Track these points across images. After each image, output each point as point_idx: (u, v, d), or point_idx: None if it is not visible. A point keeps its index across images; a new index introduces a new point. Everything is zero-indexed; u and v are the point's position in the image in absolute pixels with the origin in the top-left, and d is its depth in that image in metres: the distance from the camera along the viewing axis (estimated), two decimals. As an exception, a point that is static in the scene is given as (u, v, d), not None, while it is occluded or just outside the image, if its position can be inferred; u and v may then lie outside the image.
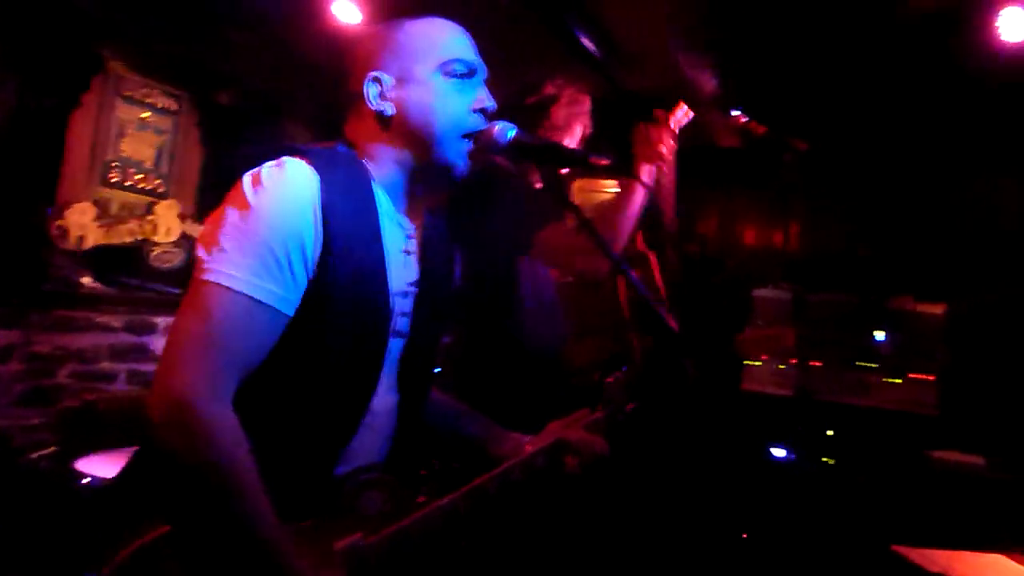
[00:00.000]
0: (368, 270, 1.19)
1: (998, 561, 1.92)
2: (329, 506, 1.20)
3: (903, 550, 1.92)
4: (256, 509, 1.03)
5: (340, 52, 1.30)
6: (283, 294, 1.09)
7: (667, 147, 1.91)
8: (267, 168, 1.14)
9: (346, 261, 1.15)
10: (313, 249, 1.11)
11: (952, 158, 4.04)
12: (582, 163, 1.23)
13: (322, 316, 1.14)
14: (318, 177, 1.14)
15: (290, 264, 1.09)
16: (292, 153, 1.17)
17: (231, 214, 1.09)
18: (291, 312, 1.10)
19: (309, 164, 1.15)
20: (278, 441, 1.15)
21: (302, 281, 1.11)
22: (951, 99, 3.57)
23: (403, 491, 1.28)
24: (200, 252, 1.09)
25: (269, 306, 1.08)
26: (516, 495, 1.35)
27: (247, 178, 1.13)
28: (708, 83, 3.54)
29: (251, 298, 1.06)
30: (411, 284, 1.29)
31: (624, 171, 1.46)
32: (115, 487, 1.21)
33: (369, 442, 1.25)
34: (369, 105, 1.24)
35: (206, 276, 1.06)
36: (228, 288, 1.05)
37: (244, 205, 1.09)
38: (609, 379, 1.49)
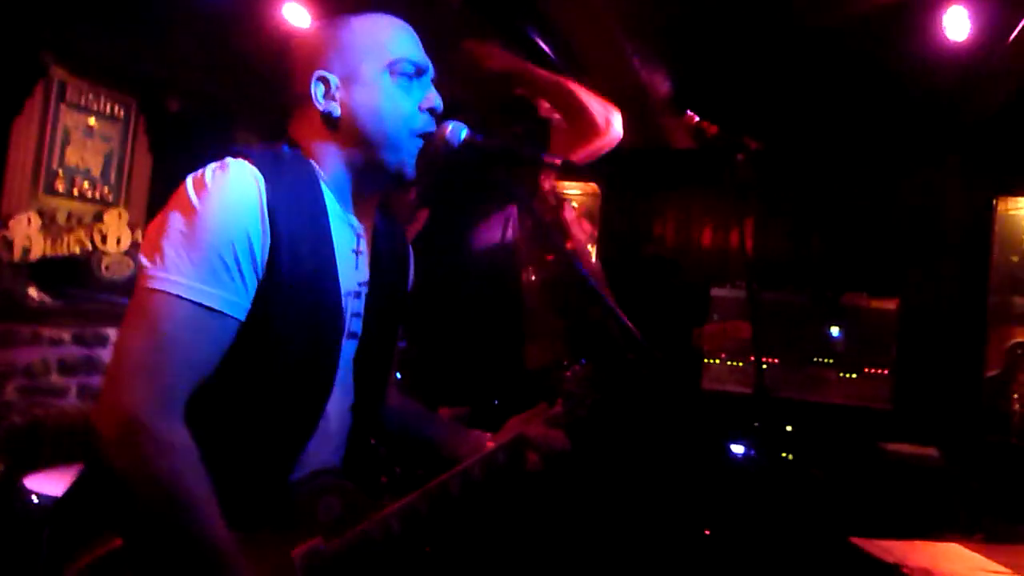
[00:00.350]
0: (318, 271, 1.16)
1: (952, 549, 1.96)
2: (285, 513, 1.17)
3: (860, 542, 1.95)
4: (207, 523, 1.01)
5: (284, 50, 1.26)
6: (233, 299, 1.06)
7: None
8: (210, 170, 1.10)
9: (295, 262, 1.12)
10: (261, 251, 1.09)
11: (900, 155, 4.14)
12: (535, 162, 1.23)
13: (273, 319, 1.11)
14: (262, 177, 1.11)
15: (239, 267, 1.06)
16: (235, 154, 1.14)
17: (174, 219, 1.06)
18: (242, 316, 1.08)
19: (252, 165, 1.12)
20: (231, 447, 1.12)
21: (252, 284, 1.08)
22: (898, 97, 3.66)
23: (361, 496, 1.26)
24: (144, 260, 1.06)
25: (219, 312, 1.05)
26: (477, 494, 1.34)
27: (189, 181, 1.10)
28: (662, 86, 3.57)
29: (200, 305, 1.03)
30: (362, 284, 1.27)
31: (577, 171, 1.46)
32: (64, 503, 1.17)
33: (324, 446, 1.23)
34: (316, 106, 1.21)
35: (152, 284, 1.03)
36: (176, 296, 1.02)
37: (188, 209, 1.06)
38: (568, 372, 1.48)
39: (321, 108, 1.20)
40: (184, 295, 1.03)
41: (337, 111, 1.20)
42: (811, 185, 4.28)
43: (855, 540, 1.96)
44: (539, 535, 2.38)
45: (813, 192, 4.29)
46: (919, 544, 1.96)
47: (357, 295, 1.25)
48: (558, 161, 1.22)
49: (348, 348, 1.24)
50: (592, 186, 4.64)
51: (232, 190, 1.08)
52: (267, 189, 1.10)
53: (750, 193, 4.19)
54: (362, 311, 1.26)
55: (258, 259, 1.09)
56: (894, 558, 1.82)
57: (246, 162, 1.12)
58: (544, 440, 1.42)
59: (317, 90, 1.20)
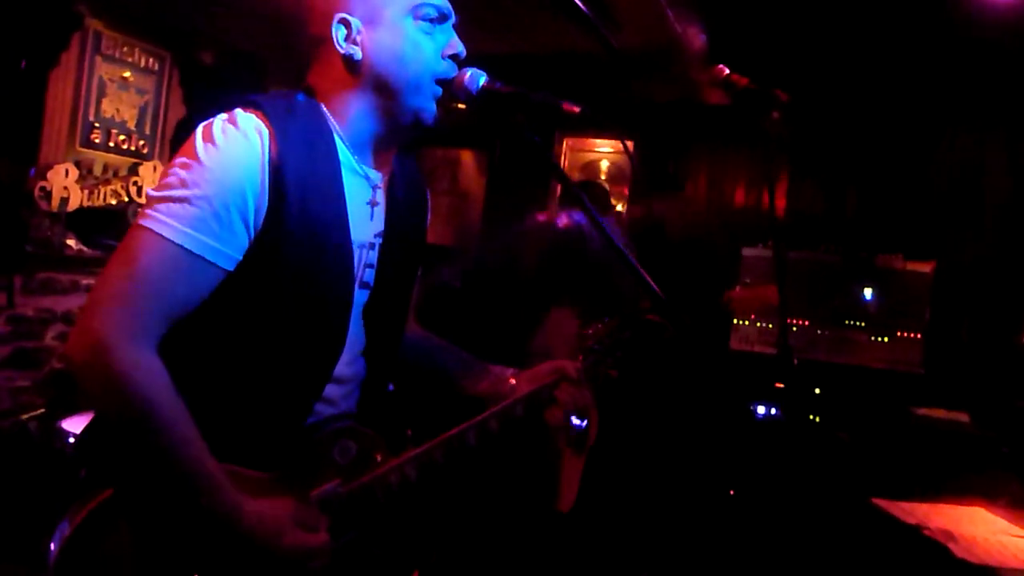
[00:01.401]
0: (329, 223, 1.17)
1: (976, 512, 1.95)
2: (302, 455, 1.20)
3: (882, 503, 1.95)
4: (179, 443, 1.05)
5: None
6: (220, 248, 1.08)
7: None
8: (219, 121, 1.12)
9: (304, 215, 1.13)
10: (256, 205, 1.10)
11: (939, 114, 4.01)
12: (555, 111, 1.21)
13: (283, 270, 1.13)
14: (267, 131, 1.11)
15: (230, 220, 1.08)
16: (246, 104, 1.14)
17: (179, 165, 1.08)
18: (230, 267, 1.10)
19: (262, 116, 1.13)
20: (249, 392, 1.16)
21: (243, 237, 1.10)
22: (938, 54, 3.53)
23: (378, 440, 1.28)
24: (146, 199, 1.10)
25: (201, 257, 1.07)
26: (494, 444, 1.35)
27: (199, 130, 1.11)
28: (696, 39, 3.49)
29: (182, 247, 1.05)
30: (377, 235, 1.27)
31: (600, 122, 1.43)
32: (80, 440, 1.22)
33: (339, 393, 1.25)
34: (337, 49, 1.19)
35: (142, 221, 1.06)
36: (160, 236, 1.05)
37: (192, 157, 1.08)
38: (589, 330, 1.48)
39: (342, 51, 1.19)
40: (169, 236, 1.05)
41: (358, 54, 1.19)
42: (846, 143, 4.17)
43: (877, 501, 1.96)
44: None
45: (848, 150, 4.18)
46: (942, 506, 1.95)
47: (372, 246, 1.26)
48: (577, 109, 1.20)
49: (360, 297, 1.25)
50: (622, 143, 4.58)
51: (234, 144, 1.09)
52: (275, 142, 1.11)
53: (783, 151, 4.12)
54: (375, 262, 1.27)
55: (251, 215, 1.10)
56: (916, 519, 1.82)
57: (254, 115, 1.12)
58: (570, 397, 1.41)
59: (338, 32, 1.19)
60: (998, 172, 3.91)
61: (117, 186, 3.70)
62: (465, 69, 1.24)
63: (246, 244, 1.11)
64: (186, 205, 1.06)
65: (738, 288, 2.85)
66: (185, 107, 4.11)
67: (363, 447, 1.25)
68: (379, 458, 1.26)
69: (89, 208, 3.58)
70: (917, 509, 1.89)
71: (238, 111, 1.13)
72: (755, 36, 3.47)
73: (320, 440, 1.22)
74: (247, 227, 1.10)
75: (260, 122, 1.12)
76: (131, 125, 3.89)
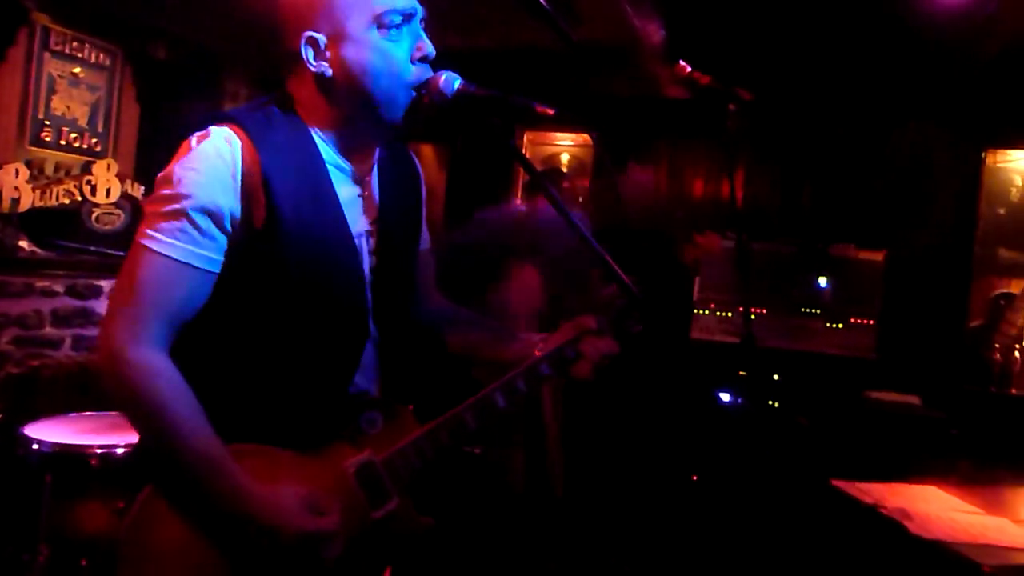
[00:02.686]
0: (326, 219, 1.23)
1: (929, 491, 2.03)
2: (331, 429, 1.27)
3: (841, 484, 2.01)
4: (187, 434, 1.12)
5: (273, 8, 1.26)
6: (204, 254, 1.16)
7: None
8: (195, 138, 1.19)
9: (299, 216, 1.19)
10: (231, 211, 1.17)
11: (890, 109, 4.13)
12: (529, 113, 1.23)
13: (291, 269, 1.20)
14: (239, 141, 1.18)
15: (208, 227, 1.16)
16: (220, 119, 1.20)
17: (162, 183, 1.17)
18: (216, 269, 1.18)
19: (235, 127, 1.19)
20: (279, 383, 1.24)
21: (222, 241, 1.18)
22: (889, 51, 3.64)
23: (402, 409, 1.33)
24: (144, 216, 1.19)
25: (188, 265, 1.15)
26: (522, 404, 1.37)
27: (184, 145, 1.19)
28: (655, 34, 3.54)
29: (171, 258, 1.14)
30: (373, 223, 1.32)
31: (571, 121, 1.45)
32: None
33: (359, 380, 1.31)
34: (308, 67, 1.21)
35: (138, 239, 1.16)
36: (152, 250, 1.15)
37: (170, 173, 1.17)
38: (611, 287, 1.48)
39: (313, 69, 1.21)
40: (157, 249, 1.14)
41: (329, 71, 1.21)
42: (801, 136, 4.28)
43: (836, 483, 2.03)
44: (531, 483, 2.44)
45: (803, 143, 4.28)
46: (897, 486, 2.02)
47: (370, 234, 1.31)
48: (551, 111, 1.22)
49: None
50: (585, 137, 4.62)
51: (206, 159, 1.16)
52: (251, 150, 1.18)
53: (740, 144, 4.19)
54: (375, 249, 1.31)
55: (226, 221, 1.17)
56: (873, 499, 1.89)
57: (228, 128, 1.19)
58: (594, 349, 1.42)
59: (307, 52, 1.20)
60: (946, 164, 4.05)
61: (70, 185, 3.61)
62: (440, 72, 1.25)
63: (225, 246, 1.19)
64: (170, 220, 1.15)
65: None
66: (138, 104, 4.03)
67: (388, 417, 1.31)
68: (405, 427, 1.31)
69: (41, 208, 3.48)
70: (874, 489, 1.96)
71: (211, 128, 1.19)
72: (711, 32, 3.53)
73: (346, 412, 1.29)
74: (224, 232, 1.18)
75: (232, 133, 1.18)
76: (83, 123, 3.80)
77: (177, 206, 1.15)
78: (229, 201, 1.17)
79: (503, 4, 3.41)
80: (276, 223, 1.17)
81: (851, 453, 3.23)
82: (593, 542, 3.37)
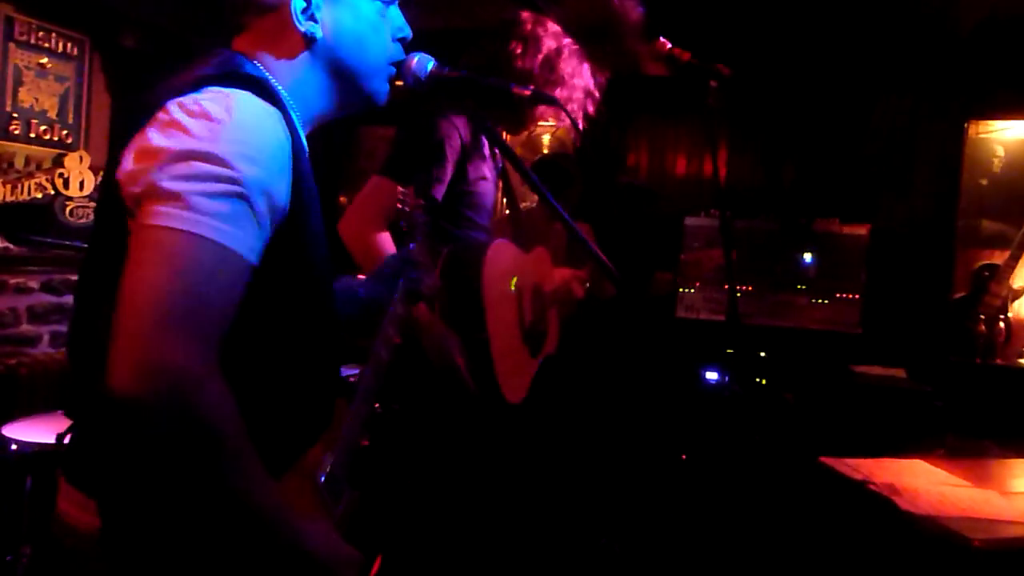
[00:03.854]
0: (315, 203, 1.09)
1: (917, 465, 2.03)
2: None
3: (830, 461, 2.02)
4: (260, 484, 0.93)
5: None
6: (252, 243, 0.94)
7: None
8: (241, 97, 0.97)
9: (306, 197, 1.05)
10: (281, 197, 0.99)
11: (871, 82, 4.11)
12: (504, 94, 1.20)
13: (302, 257, 1.06)
14: (278, 115, 1.00)
15: (264, 217, 0.96)
16: (236, 82, 1.00)
17: (183, 152, 0.91)
18: (256, 262, 0.96)
19: (267, 99, 1.01)
20: (292, 387, 1.10)
21: (267, 230, 0.97)
22: (869, 24, 3.61)
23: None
24: (145, 195, 0.91)
25: (238, 254, 0.92)
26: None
27: (192, 108, 0.95)
28: (634, 11, 3.49)
29: (224, 246, 0.90)
30: None
31: (548, 100, 1.42)
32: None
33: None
34: (295, 24, 1.09)
35: (170, 223, 0.88)
36: (201, 236, 0.89)
37: (202, 141, 0.92)
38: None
39: (302, 28, 1.09)
40: (210, 235, 0.89)
41: (319, 32, 1.11)
42: (783, 111, 4.26)
43: (825, 460, 2.03)
44: (518, 464, 2.43)
45: (785, 118, 4.26)
46: (885, 461, 2.03)
47: None
48: (527, 92, 1.19)
49: None
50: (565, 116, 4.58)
51: (259, 133, 0.96)
52: (286, 127, 1.01)
53: (722, 120, 4.17)
54: None
55: (278, 206, 0.99)
56: (861, 475, 1.89)
57: (258, 97, 0.99)
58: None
59: (296, 5, 1.09)
60: (928, 136, 4.05)
61: (42, 179, 3.54)
62: (412, 54, 1.22)
63: (268, 236, 0.99)
64: (221, 201, 0.91)
65: (683, 255, 2.92)
66: (109, 93, 3.94)
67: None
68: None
69: (13, 203, 3.41)
70: (862, 465, 1.97)
71: (234, 90, 0.98)
72: (690, 6, 3.49)
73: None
74: (273, 218, 0.99)
75: (266, 103, 1.00)
76: (52, 114, 3.72)
77: (232, 187, 0.91)
78: (283, 185, 0.98)
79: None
80: (300, 212, 1.01)
81: (838, 428, 3.24)
82: (582, 522, 3.37)
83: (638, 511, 3.43)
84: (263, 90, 1.02)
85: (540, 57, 2.08)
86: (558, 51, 2.13)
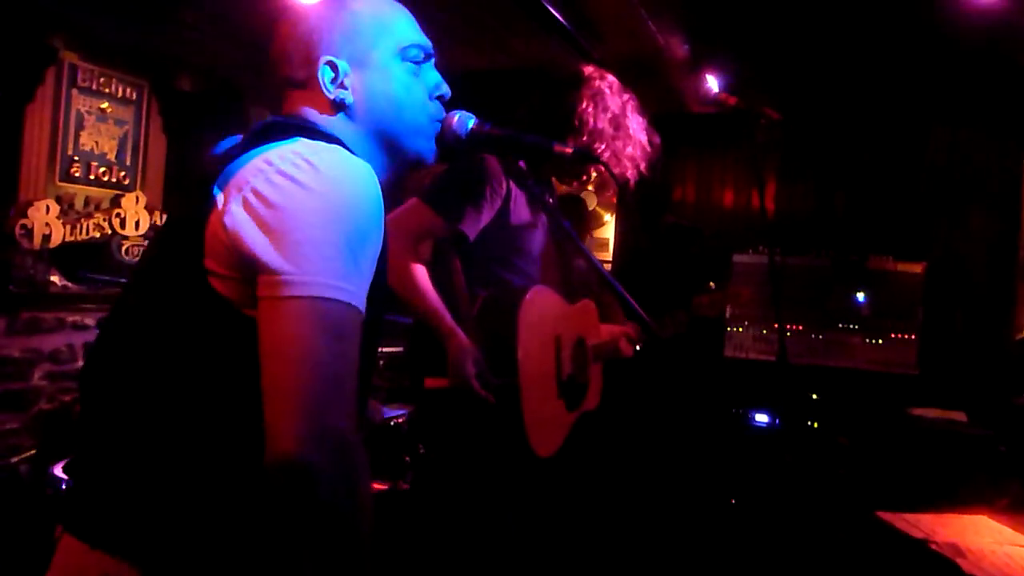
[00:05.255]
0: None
1: (981, 522, 1.93)
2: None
3: (888, 516, 1.93)
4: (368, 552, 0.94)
5: (275, 30, 1.17)
6: (364, 297, 0.96)
7: None
8: (330, 160, 0.98)
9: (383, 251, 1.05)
10: (378, 248, 1.00)
11: (926, 114, 4.01)
12: (545, 154, 1.19)
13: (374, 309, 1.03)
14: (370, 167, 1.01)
15: (368, 271, 0.98)
16: (328, 140, 1.04)
17: (302, 216, 0.92)
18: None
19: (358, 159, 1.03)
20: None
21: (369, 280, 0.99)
22: (924, 54, 3.53)
23: None
24: (275, 262, 0.91)
25: (361, 312, 0.94)
26: None
27: (304, 168, 0.95)
28: (678, 48, 3.48)
29: (358, 310, 0.93)
30: None
31: (591, 159, 1.41)
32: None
33: None
34: (325, 94, 1.12)
35: (317, 292, 0.90)
36: (344, 303, 0.91)
37: (324, 204, 0.93)
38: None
39: (331, 96, 1.12)
40: (351, 301, 0.92)
41: (349, 98, 1.12)
42: (834, 144, 4.18)
43: (882, 514, 1.95)
44: (563, 508, 2.39)
45: (836, 151, 4.18)
46: (947, 517, 1.94)
47: None
48: (568, 151, 1.18)
49: None
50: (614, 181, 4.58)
51: (366, 185, 0.98)
52: None
53: (770, 156, 4.12)
54: None
55: (376, 258, 1.00)
56: (922, 533, 1.80)
57: (351, 154, 1.02)
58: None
59: (324, 76, 1.12)
60: (985, 169, 3.92)
61: (100, 219, 3.66)
62: (452, 112, 1.22)
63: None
64: (345, 261, 0.93)
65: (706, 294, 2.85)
66: (165, 136, 4.07)
67: None
68: None
69: (72, 243, 3.53)
70: (922, 521, 1.88)
71: (335, 147, 1.01)
72: (739, 42, 3.46)
73: None
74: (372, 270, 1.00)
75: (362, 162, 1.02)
76: (111, 157, 3.85)
77: (352, 243, 0.93)
78: (381, 235, 1.00)
79: (521, 23, 3.38)
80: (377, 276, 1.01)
81: (895, 475, 3.12)
82: (627, 566, 3.29)
83: (685, 557, 3.33)
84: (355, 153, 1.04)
85: (608, 115, 2.10)
86: (623, 107, 2.15)
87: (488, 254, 2.04)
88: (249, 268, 0.93)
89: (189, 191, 1.05)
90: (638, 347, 2.29)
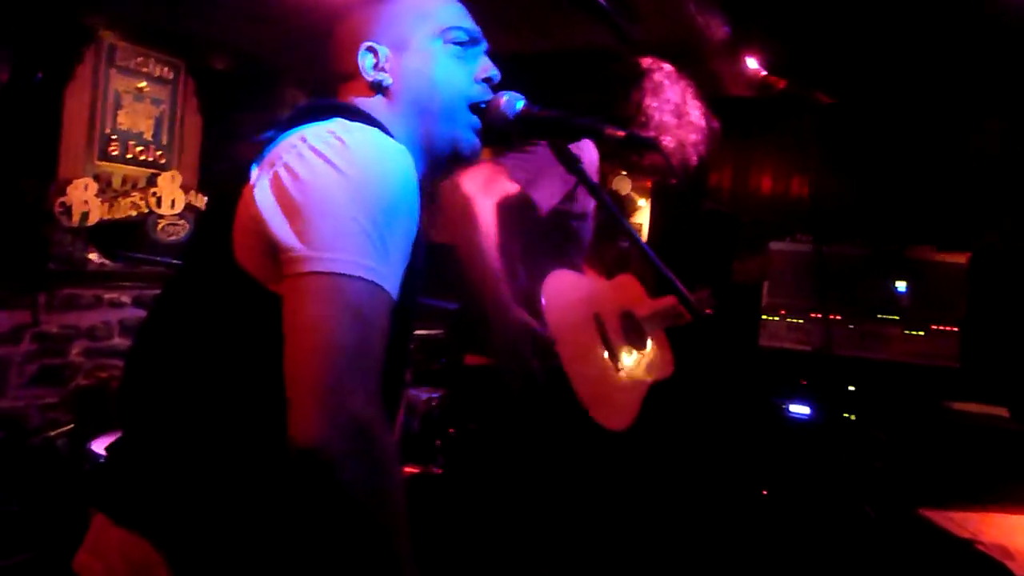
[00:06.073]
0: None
1: (1028, 522, 1.88)
2: None
3: (931, 514, 1.88)
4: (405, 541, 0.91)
5: (327, 30, 1.20)
6: (396, 280, 0.94)
7: None
8: (377, 138, 0.98)
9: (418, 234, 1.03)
10: (413, 230, 0.98)
11: (970, 99, 3.89)
12: (597, 136, 1.16)
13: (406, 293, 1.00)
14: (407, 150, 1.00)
15: (403, 250, 0.96)
16: (366, 121, 1.02)
17: (334, 193, 0.90)
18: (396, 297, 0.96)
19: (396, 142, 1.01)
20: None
21: (403, 263, 0.97)
22: (970, 41, 3.42)
23: None
24: (297, 238, 0.89)
25: (392, 298, 0.92)
26: None
27: (335, 146, 0.93)
28: (719, 30, 3.40)
29: (386, 291, 0.90)
30: None
31: (644, 143, 1.38)
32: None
33: None
34: (365, 77, 1.13)
35: (337, 268, 0.87)
36: (370, 281, 0.88)
37: (351, 181, 0.91)
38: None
39: (369, 79, 1.13)
40: (377, 280, 0.89)
41: (388, 80, 1.13)
42: (873, 130, 4.07)
43: (925, 512, 1.90)
44: (593, 496, 2.38)
45: (875, 137, 4.07)
46: (993, 516, 1.88)
47: None
48: (622, 133, 1.14)
49: None
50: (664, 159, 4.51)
51: (397, 166, 0.96)
52: None
53: (811, 142, 4.02)
54: None
55: (411, 242, 0.98)
56: (968, 532, 1.76)
57: (390, 138, 1.01)
58: None
59: (365, 60, 1.13)
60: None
61: (136, 198, 3.69)
62: (501, 93, 1.19)
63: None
64: (375, 241, 0.90)
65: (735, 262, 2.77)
66: (201, 115, 4.09)
67: None
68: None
69: (109, 221, 3.56)
70: (968, 521, 1.83)
71: (371, 128, 1.00)
72: (780, 24, 3.37)
73: None
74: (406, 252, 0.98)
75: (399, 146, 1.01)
76: (148, 136, 3.87)
77: (385, 223, 0.91)
78: (416, 219, 0.98)
79: (561, 5, 3.33)
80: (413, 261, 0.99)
81: (934, 471, 3.05)
82: (655, 557, 3.27)
83: (717, 547, 3.30)
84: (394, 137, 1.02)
85: (670, 106, 2.12)
86: (683, 95, 2.16)
87: (547, 241, 2.03)
88: (273, 243, 0.91)
89: (230, 172, 1.04)
90: (703, 311, 2.28)
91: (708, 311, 2.61)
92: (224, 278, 0.96)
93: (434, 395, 3.00)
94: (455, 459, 2.68)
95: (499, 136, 1.20)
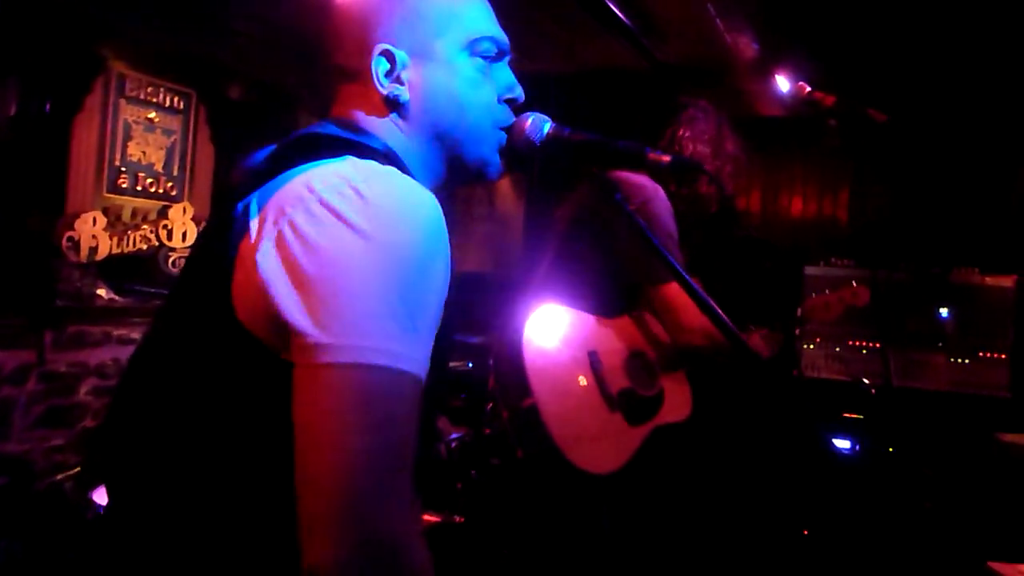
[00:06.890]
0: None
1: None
2: None
3: (1001, 568, 1.71)
4: None
5: (329, 11, 1.01)
6: (425, 361, 0.78)
7: None
8: (382, 187, 0.80)
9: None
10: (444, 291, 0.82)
11: (1019, 120, 3.73)
12: (639, 161, 1.02)
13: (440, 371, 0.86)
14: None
15: (430, 327, 0.80)
16: (378, 158, 0.87)
17: (347, 264, 0.75)
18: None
19: (412, 178, 0.85)
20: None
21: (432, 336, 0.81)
22: (1016, 60, 3.27)
23: None
24: (311, 321, 0.74)
25: (422, 380, 0.77)
26: None
27: (352, 201, 0.77)
28: (748, 49, 3.28)
29: (414, 375, 0.75)
30: None
31: (691, 166, 1.25)
32: None
33: None
34: (377, 88, 0.95)
35: (360, 359, 0.72)
36: (395, 369, 0.73)
37: (375, 247, 0.75)
38: None
39: (384, 91, 0.95)
40: (406, 368, 0.74)
41: (405, 95, 0.96)
42: (913, 148, 3.91)
43: (995, 566, 1.73)
44: (633, 531, 2.26)
45: (916, 156, 3.91)
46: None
47: None
48: (667, 158, 1.00)
49: None
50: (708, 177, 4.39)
51: (427, 221, 0.80)
52: None
53: (844, 161, 3.87)
54: None
55: (443, 302, 0.82)
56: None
57: (413, 181, 0.84)
58: None
59: (379, 67, 0.95)
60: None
61: (147, 231, 3.60)
62: (526, 115, 1.05)
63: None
64: (401, 320, 0.75)
65: (814, 296, 2.62)
66: (213, 145, 4.01)
67: None
68: None
69: (119, 255, 3.47)
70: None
71: (390, 170, 0.84)
72: (814, 41, 3.24)
73: None
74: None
75: (422, 187, 0.85)
76: (158, 167, 3.79)
77: (412, 298, 0.76)
78: (447, 279, 0.82)
79: (584, 26, 3.22)
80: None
81: (986, 509, 2.86)
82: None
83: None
84: (402, 169, 0.89)
85: (706, 137, 2.17)
86: (718, 128, 2.21)
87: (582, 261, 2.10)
88: (281, 323, 0.75)
89: (220, 209, 0.88)
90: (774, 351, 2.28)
91: (776, 349, 2.50)
92: (227, 339, 0.80)
93: (454, 435, 2.85)
94: (477, 505, 2.56)
95: (520, 162, 1.06)
